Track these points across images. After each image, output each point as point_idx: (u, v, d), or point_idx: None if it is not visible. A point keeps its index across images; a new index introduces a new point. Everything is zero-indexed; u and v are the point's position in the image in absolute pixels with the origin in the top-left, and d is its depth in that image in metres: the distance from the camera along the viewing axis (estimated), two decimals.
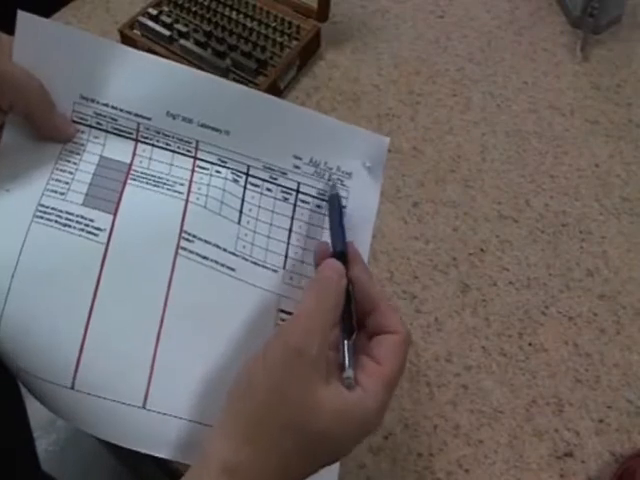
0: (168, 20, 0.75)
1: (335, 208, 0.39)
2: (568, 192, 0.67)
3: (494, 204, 0.66)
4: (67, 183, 0.36)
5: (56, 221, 0.35)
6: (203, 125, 0.39)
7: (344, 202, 0.40)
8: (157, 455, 0.36)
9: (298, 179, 0.40)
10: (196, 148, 0.39)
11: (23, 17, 0.36)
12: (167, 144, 0.39)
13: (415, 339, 0.57)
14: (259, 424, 0.30)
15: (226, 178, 0.39)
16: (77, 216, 0.35)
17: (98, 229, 0.35)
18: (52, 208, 0.35)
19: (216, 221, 0.38)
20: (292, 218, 0.40)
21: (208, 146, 0.39)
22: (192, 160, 0.39)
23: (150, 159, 0.38)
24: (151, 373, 0.35)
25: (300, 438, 0.30)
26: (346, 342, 0.33)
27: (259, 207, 0.39)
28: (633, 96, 0.75)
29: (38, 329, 0.34)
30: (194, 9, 0.78)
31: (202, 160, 0.39)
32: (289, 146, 0.40)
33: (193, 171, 0.39)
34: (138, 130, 0.38)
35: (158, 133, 0.39)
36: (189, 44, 0.74)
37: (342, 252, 0.36)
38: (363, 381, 0.33)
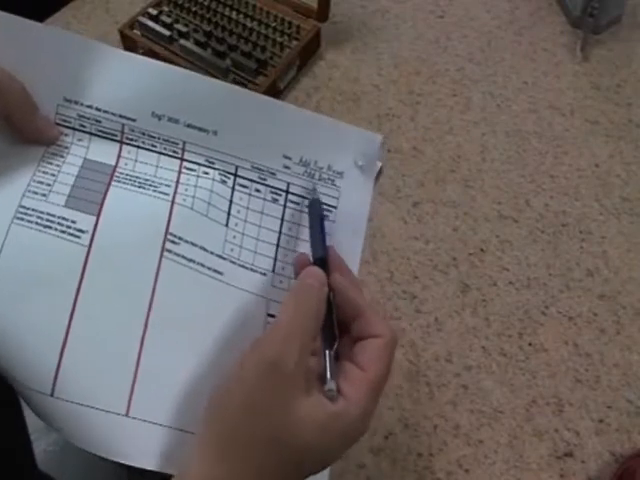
0: (168, 20, 0.75)
1: (315, 213, 0.38)
2: (568, 192, 0.67)
3: (494, 204, 0.66)
4: (49, 185, 0.35)
5: (36, 222, 0.34)
6: (190, 125, 0.38)
7: (334, 202, 0.38)
8: (140, 466, 0.33)
9: (288, 179, 0.39)
10: (183, 149, 0.38)
11: (2, 17, 0.35)
12: (153, 145, 0.38)
13: (415, 339, 0.57)
14: (234, 440, 0.29)
15: (214, 179, 0.38)
16: (59, 217, 0.34)
17: (80, 231, 0.34)
18: (33, 209, 0.34)
19: (203, 223, 0.36)
20: (282, 220, 0.39)
21: (195, 147, 0.38)
22: (179, 161, 0.38)
23: (135, 161, 0.37)
24: (134, 379, 0.33)
25: (282, 452, 0.30)
26: (327, 352, 0.32)
27: (247, 209, 0.38)
28: (633, 96, 0.75)
29: (18, 333, 0.32)
30: (194, 9, 0.78)
31: (189, 161, 0.38)
32: (278, 145, 0.39)
33: (180, 172, 0.37)
34: (123, 132, 0.37)
35: (143, 134, 0.37)
36: (189, 44, 0.74)
37: (322, 258, 0.35)
38: (346, 390, 0.31)
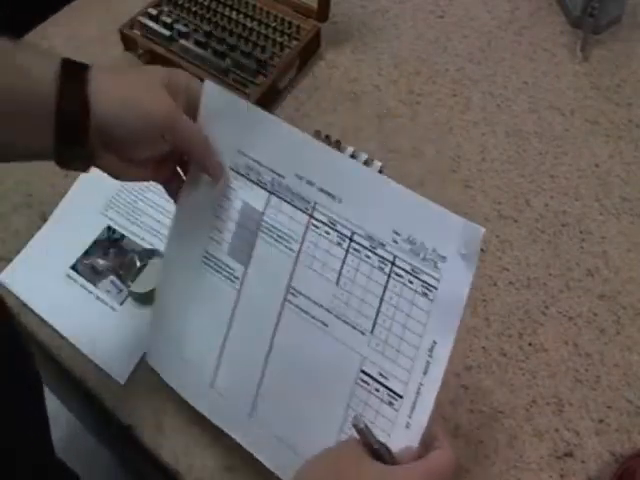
0: (168, 20, 0.75)
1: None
2: (568, 192, 0.67)
3: (494, 204, 0.66)
4: (221, 231, 0.47)
5: (212, 266, 0.47)
6: (322, 190, 0.45)
7: (435, 283, 0.41)
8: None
9: (395, 252, 0.43)
10: (313, 208, 0.45)
11: (209, 86, 0.46)
12: (292, 200, 0.45)
13: None
14: None
15: (332, 241, 0.44)
16: (225, 264, 0.46)
17: (236, 278, 0.46)
18: (212, 255, 0.47)
19: (318, 280, 0.44)
20: (385, 287, 0.43)
21: (323, 208, 0.45)
22: (308, 218, 0.45)
23: (278, 211, 0.46)
24: (255, 399, 0.45)
25: None
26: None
27: (357, 271, 0.43)
28: (633, 96, 0.75)
29: (185, 345, 0.46)
30: (194, 9, 0.78)
31: (316, 219, 0.45)
32: (390, 221, 0.43)
33: (307, 228, 0.45)
34: (272, 183, 0.46)
35: (287, 189, 0.46)
36: (189, 44, 0.74)
37: None
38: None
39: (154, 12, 0.76)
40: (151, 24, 0.75)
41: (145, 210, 0.64)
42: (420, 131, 0.71)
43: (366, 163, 0.67)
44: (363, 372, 0.42)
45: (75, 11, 0.84)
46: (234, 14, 0.77)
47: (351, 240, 0.44)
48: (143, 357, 0.55)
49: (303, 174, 0.45)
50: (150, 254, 0.60)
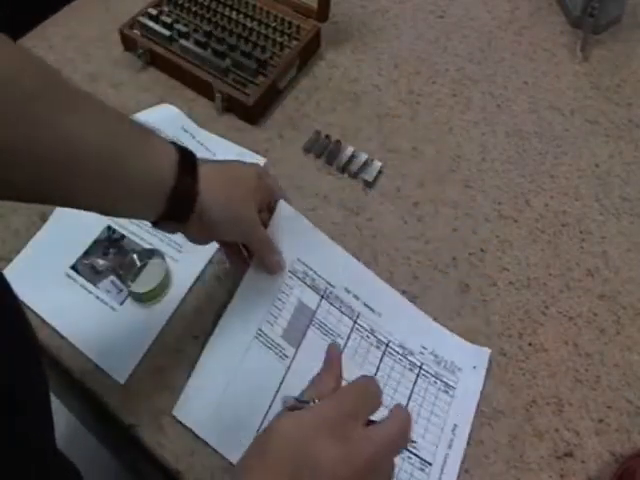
0: (168, 20, 0.75)
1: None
2: (568, 192, 0.67)
3: (494, 204, 0.66)
4: (276, 317, 0.54)
5: (264, 343, 0.53)
6: (365, 304, 0.56)
7: (454, 384, 0.54)
8: None
9: (422, 360, 0.55)
10: (357, 316, 0.56)
11: (283, 205, 0.56)
12: (340, 307, 0.56)
13: None
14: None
15: (372, 343, 0.55)
16: (277, 344, 0.53)
17: (286, 356, 0.52)
18: (265, 334, 0.53)
19: (359, 370, 0.53)
20: (414, 384, 0.54)
21: (365, 318, 0.56)
22: (352, 323, 0.55)
23: (327, 312, 0.55)
24: None
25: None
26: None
27: (391, 369, 0.54)
28: (633, 96, 0.75)
29: (226, 406, 0.51)
30: (194, 9, 0.78)
31: (359, 325, 0.55)
32: (420, 339, 0.56)
33: (352, 330, 0.55)
34: (325, 291, 0.56)
35: (336, 298, 0.56)
36: (189, 44, 0.74)
37: None
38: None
39: (154, 12, 0.76)
40: (151, 24, 0.75)
41: None
42: (420, 131, 0.71)
43: (366, 163, 0.67)
44: None
45: (75, 11, 0.84)
46: (234, 14, 0.77)
47: (387, 346, 0.55)
48: (143, 357, 0.55)
49: (351, 289, 0.57)
50: (150, 254, 0.60)
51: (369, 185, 0.66)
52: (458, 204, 0.66)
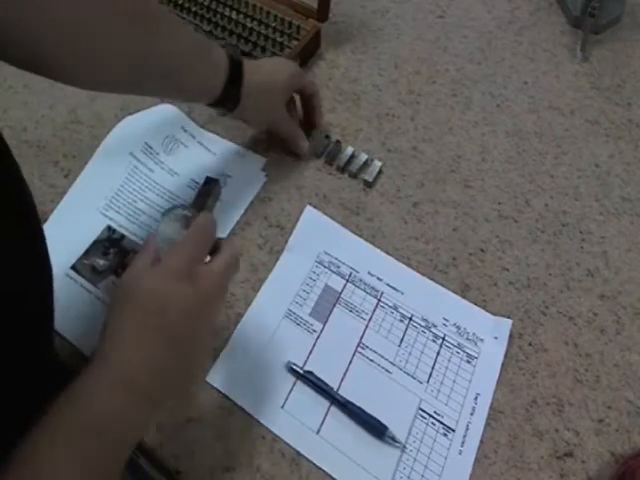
0: None
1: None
2: (568, 192, 0.67)
3: (494, 204, 0.66)
4: (304, 299, 0.59)
5: (293, 320, 0.58)
6: (388, 284, 0.60)
7: (476, 354, 0.56)
8: None
9: (444, 332, 0.58)
10: (381, 294, 0.59)
11: (308, 209, 0.64)
12: (364, 288, 0.60)
13: None
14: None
15: (395, 317, 0.58)
16: (305, 320, 0.58)
17: (314, 331, 0.57)
18: (294, 312, 0.58)
19: (384, 341, 0.57)
20: (437, 354, 0.56)
21: (388, 296, 0.59)
22: (376, 301, 0.59)
23: (352, 293, 0.59)
24: (323, 420, 0.53)
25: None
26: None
27: (415, 340, 0.57)
28: (633, 96, 0.75)
29: (258, 375, 0.55)
30: (194, 9, 0.78)
31: (383, 302, 0.59)
32: (441, 312, 0.58)
33: (376, 307, 0.59)
34: (350, 275, 0.60)
35: (360, 281, 0.60)
36: None
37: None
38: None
39: None
40: None
41: (145, 210, 0.64)
42: (420, 131, 0.71)
43: (366, 163, 0.67)
44: (421, 409, 0.53)
45: None
46: (234, 14, 0.77)
47: (410, 319, 0.58)
48: None
49: (374, 272, 0.61)
50: None
51: (369, 185, 0.66)
52: (458, 204, 0.66)
